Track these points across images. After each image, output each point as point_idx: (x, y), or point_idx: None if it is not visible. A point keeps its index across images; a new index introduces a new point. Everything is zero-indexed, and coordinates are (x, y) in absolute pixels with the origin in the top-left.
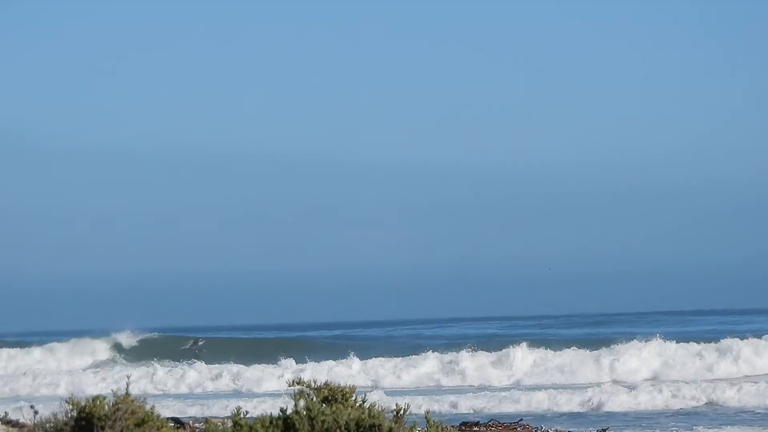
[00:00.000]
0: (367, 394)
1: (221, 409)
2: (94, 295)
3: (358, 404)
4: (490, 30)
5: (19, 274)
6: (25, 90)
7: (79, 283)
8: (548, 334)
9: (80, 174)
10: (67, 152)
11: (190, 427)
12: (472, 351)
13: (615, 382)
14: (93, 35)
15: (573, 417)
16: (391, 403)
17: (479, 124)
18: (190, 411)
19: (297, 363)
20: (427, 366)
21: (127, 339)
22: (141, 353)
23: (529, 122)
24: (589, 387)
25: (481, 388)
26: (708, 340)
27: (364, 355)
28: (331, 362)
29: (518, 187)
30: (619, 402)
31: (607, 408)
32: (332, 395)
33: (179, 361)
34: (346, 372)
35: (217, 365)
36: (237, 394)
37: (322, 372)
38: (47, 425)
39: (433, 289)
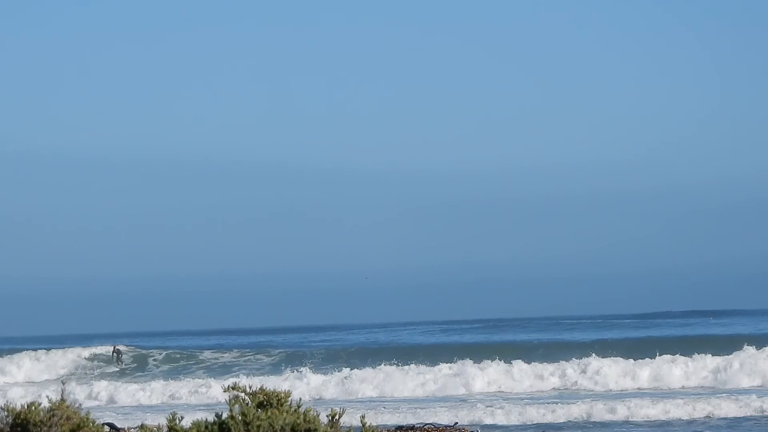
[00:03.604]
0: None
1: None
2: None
3: (293, 409)
4: (490, 35)
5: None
6: (25, 94)
7: (69, 287)
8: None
9: (74, 178)
10: (59, 158)
11: None
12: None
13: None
14: (91, 35)
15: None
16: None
17: (473, 129)
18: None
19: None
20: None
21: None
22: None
23: (525, 127)
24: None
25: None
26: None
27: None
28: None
29: (513, 190)
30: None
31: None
32: (268, 400)
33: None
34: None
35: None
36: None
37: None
38: None
39: (441, 290)
